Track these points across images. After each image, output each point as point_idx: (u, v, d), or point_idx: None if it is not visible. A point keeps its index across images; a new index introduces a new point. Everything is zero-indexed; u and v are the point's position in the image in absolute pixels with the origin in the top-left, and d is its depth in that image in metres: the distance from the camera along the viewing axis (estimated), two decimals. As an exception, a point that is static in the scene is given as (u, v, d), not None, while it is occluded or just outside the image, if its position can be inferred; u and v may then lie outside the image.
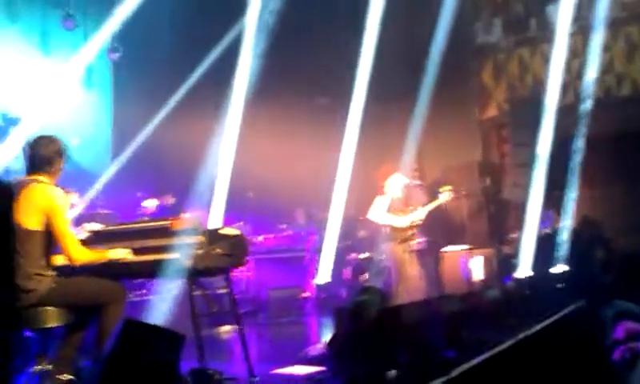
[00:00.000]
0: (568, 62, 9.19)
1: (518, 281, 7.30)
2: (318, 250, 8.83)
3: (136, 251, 3.92)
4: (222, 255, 4.04)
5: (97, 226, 4.42)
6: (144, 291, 6.10)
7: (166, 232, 3.92)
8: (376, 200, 6.80)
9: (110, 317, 3.58)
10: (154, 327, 2.59)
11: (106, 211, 7.01)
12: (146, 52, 9.16)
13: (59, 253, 3.70)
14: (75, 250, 3.60)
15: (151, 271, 3.82)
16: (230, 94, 7.88)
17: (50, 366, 3.63)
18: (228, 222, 7.61)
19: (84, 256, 3.63)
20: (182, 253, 3.77)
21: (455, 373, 3.74)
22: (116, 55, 8.71)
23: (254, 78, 8.10)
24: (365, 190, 8.51)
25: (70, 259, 3.61)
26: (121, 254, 3.80)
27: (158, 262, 3.74)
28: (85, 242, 4.05)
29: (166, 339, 2.46)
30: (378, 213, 6.74)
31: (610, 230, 8.70)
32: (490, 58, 10.18)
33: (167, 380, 2.30)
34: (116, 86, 9.12)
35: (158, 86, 8.45)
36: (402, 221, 6.72)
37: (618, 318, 3.82)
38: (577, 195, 8.38)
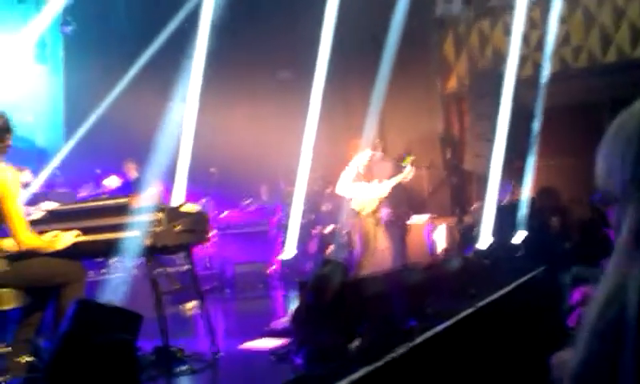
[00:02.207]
0: (527, 34, 9.29)
1: (479, 251, 7.44)
2: (283, 225, 8.82)
3: (93, 230, 3.83)
4: (182, 232, 3.98)
5: (53, 205, 4.31)
6: (104, 271, 6.00)
7: (124, 210, 3.83)
8: (343, 174, 6.82)
9: (68, 297, 3.50)
10: (109, 306, 2.54)
11: (64, 190, 6.85)
12: (99, 24, 8.88)
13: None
14: (23, 234, 3.48)
15: (109, 250, 3.74)
16: (190, 68, 7.70)
17: (8, 349, 3.55)
18: (191, 198, 7.51)
19: (32, 241, 3.52)
20: (140, 230, 3.70)
21: (417, 341, 3.80)
22: (69, 29, 8.41)
23: (213, 51, 7.94)
24: (330, 165, 8.51)
25: (17, 242, 3.50)
26: (68, 239, 3.69)
27: (116, 241, 3.66)
28: (40, 222, 3.95)
29: (122, 318, 2.42)
30: (346, 186, 6.76)
31: (567, 200, 8.93)
32: (450, 30, 10.21)
33: (124, 359, 2.27)
34: (68, 60, 8.81)
35: (112, 60, 8.21)
36: (369, 193, 6.76)
37: (575, 284, 3.92)
38: (535, 165, 8.54)
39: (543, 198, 8.77)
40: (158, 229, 3.77)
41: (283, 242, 8.68)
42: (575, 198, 8.50)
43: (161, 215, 3.82)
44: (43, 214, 4.15)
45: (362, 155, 6.91)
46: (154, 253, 3.89)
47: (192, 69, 7.70)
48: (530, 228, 7.88)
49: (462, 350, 4.34)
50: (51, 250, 3.61)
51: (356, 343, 3.54)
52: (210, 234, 6.93)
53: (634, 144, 0.77)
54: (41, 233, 3.72)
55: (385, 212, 8.03)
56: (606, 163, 0.83)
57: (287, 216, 8.67)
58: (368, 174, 7.01)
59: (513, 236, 7.91)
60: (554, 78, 8.77)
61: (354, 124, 7.95)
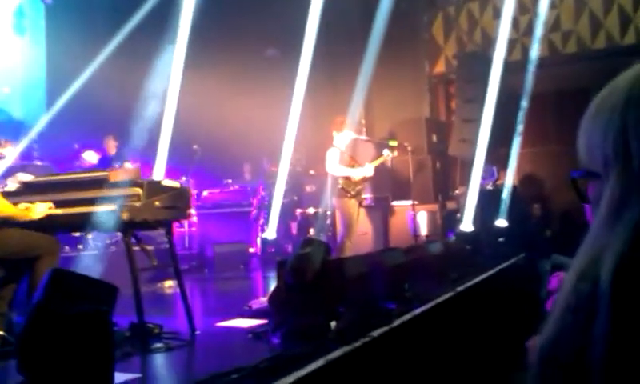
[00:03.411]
0: (517, 18, 9.26)
1: (461, 235, 7.46)
2: (265, 206, 8.77)
3: (70, 203, 3.75)
4: (161, 208, 3.91)
5: (28, 177, 4.22)
6: (80, 246, 5.92)
7: (102, 183, 3.75)
8: (329, 153, 6.76)
9: (42, 270, 3.43)
10: (85, 277, 2.48)
11: (41, 163, 6.73)
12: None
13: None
14: None
15: (85, 224, 3.65)
16: (174, 42, 7.56)
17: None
18: (172, 175, 7.42)
19: (5, 209, 3.44)
20: (118, 204, 3.62)
21: (396, 323, 3.79)
22: (50, -2, 8.21)
23: (199, 26, 7.79)
24: (314, 145, 8.46)
25: None
26: (42, 209, 3.62)
27: (92, 215, 3.58)
28: (15, 194, 3.86)
29: (97, 290, 2.35)
30: (334, 166, 6.72)
31: (549, 187, 8.98)
32: (440, 11, 10.14)
33: (99, 331, 2.21)
34: (50, 31, 8.59)
35: (95, 31, 8.02)
36: (357, 173, 6.73)
37: (554, 271, 3.93)
38: (520, 152, 8.55)
39: (525, 186, 8.81)
40: (136, 203, 3.69)
41: (265, 223, 8.64)
42: (558, 186, 8.55)
43: (139, 190, 3.74)
44: (18, 186, 4.06)
45: (343, 135, 6.85)
46: (132, 228, 3.82)
47: (176, 43, 7.55)
48: (511, 215, 7.91)
49: (440, 333, 4.35)
50: (25, 219, 3.53)
51: (334, 324, 3.51)
52: (191, 211, 6.86)
53: (615, 119, 0.76)
54: (15, 204, 3.64)
55: (368, 195, 8.02)
56: (587, 138, 0.82)
57: (270, 196, 8.62)
58: (352, 156, 6.98)
59: (495, 222, 7.94)
60: (543, 62, 8.76)
61: (340, 105, 7.88)
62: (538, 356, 0.76)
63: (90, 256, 5.41)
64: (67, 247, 5.97)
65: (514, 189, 8.25)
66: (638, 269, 0.66)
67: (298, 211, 8.90)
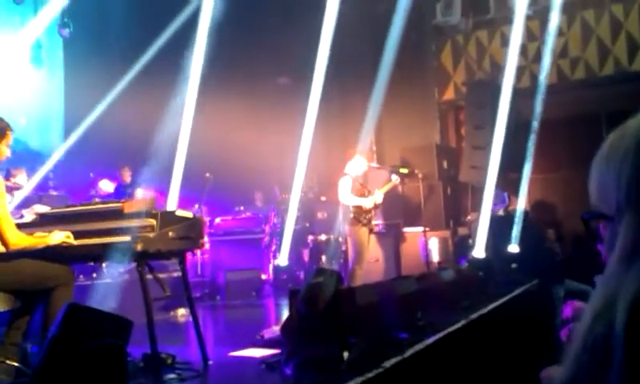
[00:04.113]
0: (525, 45, 9.31)
1: (473, 262, 7.42)
2: (277, 233, 8.79)
3: (85, 234, 3.79)
4: (175, 238, 3.95)
5: (44, 208, 4.28)
6: (94, 275, 5.96)
7: (117, 214, 3.80)
8: (341, 182, 6.81)
9: (57, 301, 3.46)
10: (100, 311, 2.51)
11: (57, 193, 6.82)
12: (98, 28, 8.86)
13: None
14: (11, 234, 3.44)
15: (100, 254, 3.70)
16: (187, 72, 7.69)
17: (-5, 353, 3.51)
18: (184, 203, 7.48)
19: (21, 241, 3.48)
20: (132, 236, 3.66)
21: (408, 353, 3.77)
22: (66, 31, 8.38)
23: (212, 55, 7.93)
24: (326, 172, 8.50)
25: (4, 244, 3.45)
26: (60, 237, 3.64)
27: (107, 245, 3.62)
28: (31, 225, 3.91)
29: (112, 323, 2.39)
30: (347, 194, 6.76)
31: (562, 213, 8.93)
32: (449, 39, 10.23)
33: (114, 365, 2.23)
34: (67, 63, 8.77)
35: (111, 64, 8.20)
36: (368, 202, 6.75)
37: (568, 298, 3.90)
38: (531, 178, 8.54)
39: (538, 211, 8.78)
40: (150, 234, 3.73)
41: (277, 250, 8.65)
42: (570, 211, 8.50)
43: (153, 220, 3.79)
44: (34, 217, 4.12)
45: (358, 164, 6.90)
46: (146, 258, 3.86)
47: (190, 73, 7.68)
48: (524, 240, 7.87)
49: (453, 362, 4.31)
50: (41, 245, 3.57)
51: (346, 355, 3.50)
52: (204, 241, 6.90)
53: (628, 162, 0.77)
54: (30, 234, 3.69)
55: (379, 222, 8.03)
56: (599, 181, 0.83)
57: (282, 223, 8.64)
58: (363, 183, 7.01)
59: (507, 248, 7.90)
60: (552, 89, 8.79)
61: (351, 132, 7.94)
62: None
63: (104, 285, 5.45)
64: (81, 276, 6.02)
65: (526, 214, 8.22)
66: None
67: (310, 238, 8.91)
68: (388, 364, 3.48)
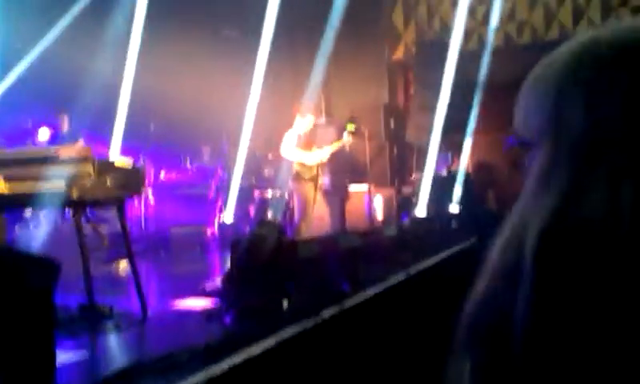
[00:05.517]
0: (474, 7, 9.39)
1: (415, 220, 7.58)
2: (223, 188, 8.71)
3: (17, 179, 3.65)
4: (112, 187, 3.85)
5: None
6: (31, 225, 5.78)
7: (52, 160, 3.67)
8: (285, 136, 6.76)
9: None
10: (24, 253, 2.43)
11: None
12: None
13: None
14: None
15: (33, 201, 3.58)
16: (130, 18, 7.38)
17: None
18: (128, 154, 7.28)
19: None
20: (68, 182, 3.55)
21: (347, 305, 3.84)
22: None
23: (156, 1, 7.64)
24: (273, 127, 8.42)
25: None
26: None
27: (41, 192, 3.51)
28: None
29: (38, 267, 2.31)
30: (289, 149, 6.72)
31: (502, 174, 9.19)
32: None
33: (39, 309, 2.18)
34: (2, 6, 8.24)
35: (48, 5, 7.75)
36: (311, 158, 6.74)
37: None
38: (474, 139, 8.73)
39: (479, 172, 9.00)
40: (86, 181, 3.63)
41: (223, 205, 8.58)
42: (512, 172, 8.74)
43: (90, 168, 3.68)
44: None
45: (305, 120, 6.87)
46: (83, 206, 3.76)
47: (133, 19, 7.39)
48: (464, 201, 8.08)
49: (392, 316, 4.42)
50: None
51: (286, 303, 3.54)
52: (144, 190, 6.77)
53: (552, 91, 0.77)
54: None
55: (325, 179, 8.05)
56: (523, 108, 0.83)
57: (228, 178, 8.56)
58: (310, 139, 6.99)
59: (449, 207, 8.09)
60: (498, 52, 8.92)
61: (301, 88, 7.86)
62: (464, 321, 0.77)
63: (41, 235, 5.29)
64: (17, 226, 5.82)
65: (467, 175, 8.42)
66: (561, 238, 0.66)
67: (256, 193, 8.86)
68: (326, 314, 3.54)
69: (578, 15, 9.23)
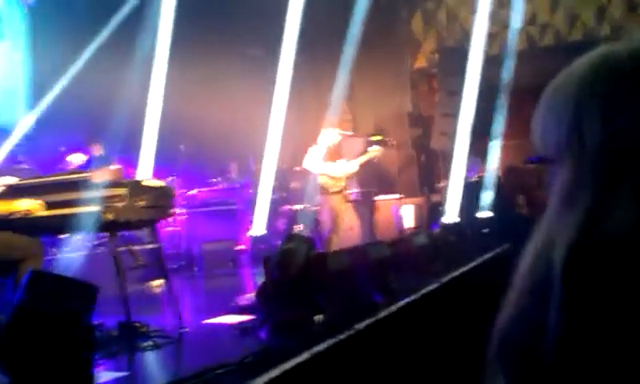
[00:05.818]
0: (494, 11, 9.34)
1: (445, 227, 7.53)
2: (252, 203, 8.79)
3: (54, 205, 3.76)
4: (145, 207, 3.94)
5: (12, 180, 4.21)
6: (66, 248, 5.90)
7: (86, 185, 3.77)
8: (310, 150, 6.82)
9: (24, 273, 3.44)
10: (64, 278, 2.50)
11: (26, 166, 6.70)
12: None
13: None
14: None
15: (70, 226, 3.68)
16: (156, 42, 7.53)
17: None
18: (158, 175, 7.41)
19: None
20: (102, 205, 3.65)
21: (381, 315, 3.84)
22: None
23: (181, 26, 7.78)
24: (299, 141, 8.48)
25: None
26: (27, 204, 3.60)
27: (77, 216, 3.60)
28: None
29: (76, 290, 2.38)
30: (313, 162, 6.77)
31: (532, 179, 9.07)
32: (419, 6, 10.21)
33: (77, 330, 2.24)
34: (32, 35, 8.50)
35: (77, 33, 7.95)
36: (336, 171, 6.78)
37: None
38: (501, 144, 8.65)
39: (510, 177, 8.90)
40: (120, 204, 3.72)
41: (252, 220, 8.65)
42: (540, 176, 8.63)
43: (123, 190, 3.77)
44: (4, 188, 4.06)
45: (331, 133, 6.91)
46: (116, 228, 3.85)
47: (160, 43, 7.54)
48: (495, 206, 8.00)
49: (425, 325, 4.40)
50: (8, 212, 3.52)
51: (319, 317, 3.56)
52: (175, 210, 6.87)
53: (570, 105, 0.78)
54: (-1, 208, 3.64)
55: (353, 191, 8.08)
56: (542, 125, 0.85)
57: (255, 193, 8.64)
58: (336, 152, 7.02)
59: (479, 213, 8.02)
60: (521, 56, 8.85)
61: (324, 101, 7.91)
62: (496, 338, 0.78)
63: (78, 258, 5.41)
64: (54, 249, 5.96)
65: (498, 180, 8.34)
66: (587, 254, 0.67)
67: (285, 207, 8.93)
68: (360, 326, 3.54)
69: (600, 15, 9.10)
